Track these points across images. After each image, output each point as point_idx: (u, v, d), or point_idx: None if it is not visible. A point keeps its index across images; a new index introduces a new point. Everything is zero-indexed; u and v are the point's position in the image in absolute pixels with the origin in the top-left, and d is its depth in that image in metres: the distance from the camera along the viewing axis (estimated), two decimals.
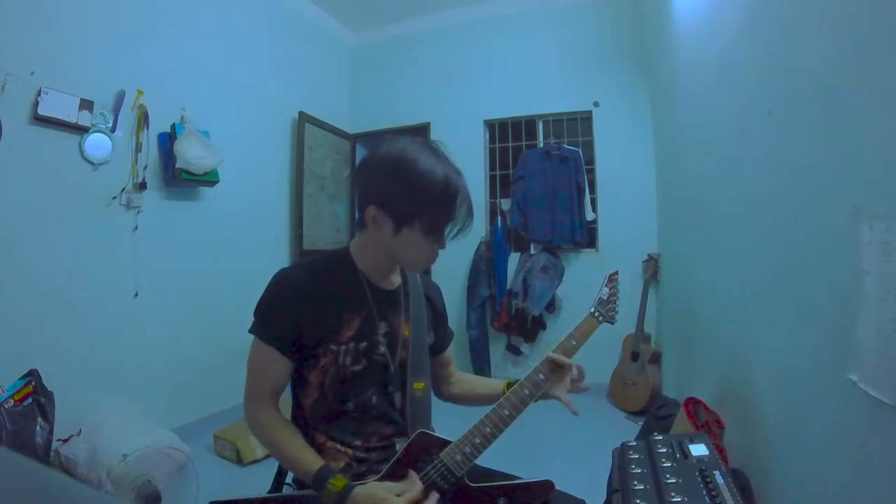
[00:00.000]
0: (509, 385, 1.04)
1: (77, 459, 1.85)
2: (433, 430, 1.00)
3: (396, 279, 1.06)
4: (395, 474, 0.90)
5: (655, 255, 3.29)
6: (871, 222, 0.79)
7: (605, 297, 1.08)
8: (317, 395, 0.96)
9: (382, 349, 0.98)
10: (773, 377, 1.28)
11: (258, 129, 3.29)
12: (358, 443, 0.96)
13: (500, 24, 3.90)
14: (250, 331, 0.96)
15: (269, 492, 1.01)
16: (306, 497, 0.90)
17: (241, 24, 3.16)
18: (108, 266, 2.31)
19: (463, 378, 1.21)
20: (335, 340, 0.95)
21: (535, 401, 0.99)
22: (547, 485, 0.92)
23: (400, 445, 0.94)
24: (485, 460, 1.00)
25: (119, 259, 2.36)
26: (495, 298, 3.69)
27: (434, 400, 1.13)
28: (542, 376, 0.98)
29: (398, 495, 0.83)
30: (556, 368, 0.99)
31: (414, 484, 0.87)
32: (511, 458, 1.07)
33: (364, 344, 0.96)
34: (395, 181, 0.89)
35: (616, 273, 1.13)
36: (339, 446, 0.95)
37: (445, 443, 0.92)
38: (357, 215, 1.00)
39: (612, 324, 1.09)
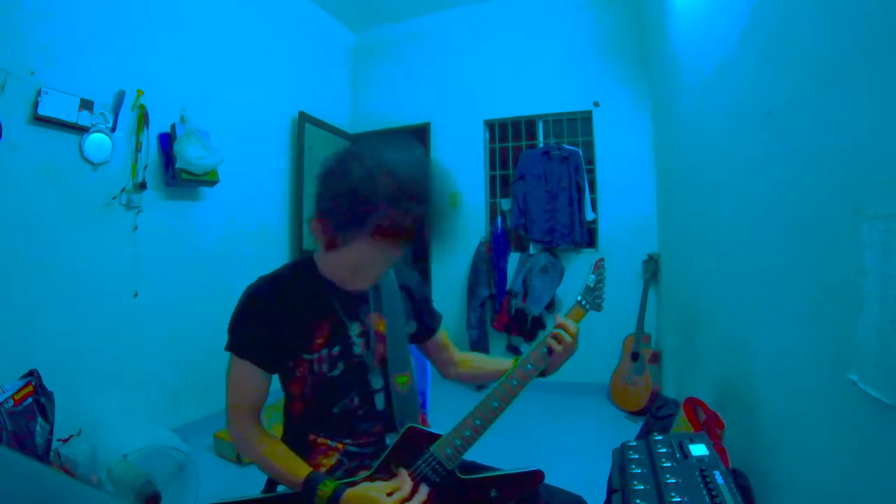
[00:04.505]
0: (516, 362, 1.04)
1: (77, 459, 1.85)
2: (420, 423, 0.99)
3: None
4: (386, 470, 0.90)
5: (655, 255, 3.29)
6: (871, 222, 0.79)
7: (591, 285, 1.07)
8: (301, 405, 0.97)
9: (358, 350, 0.98)
10: (773, 377, 1.28)
11: (258, 129, 3.28)
12: (349, 441, 0.96)
13: (500, 24, 3.90)
14: (226, 348, 0.95)
15: (263, 491, 1.01)
16: (297, 496, 0.90)
17: (241, 24, 3.16)
18: (108, 266, 2.31)
19: (469, 358, 1.21)
20: (307, 349, 0.94)
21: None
22: (537, 474, 0.92)
23: (390, 441, 0.95)
24: (483, 459, 1.00)
25: (119, 259, 2.36)
26: (495, 298, 3.69)
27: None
28: (529, 366, 0.98)
29: (389, 494, 0.83)
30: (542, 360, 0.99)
31: (404, 481, 0.87)
32: (511, 458, 1.07)
33: (337, 349, 0.96)
34: (329, 188, 0.83)
35: (602, 260, 1.12)
36: (329, 442, 0.96)
37: (435, 437, 0.92)
38: None
39: (599, 311, 1.08)
